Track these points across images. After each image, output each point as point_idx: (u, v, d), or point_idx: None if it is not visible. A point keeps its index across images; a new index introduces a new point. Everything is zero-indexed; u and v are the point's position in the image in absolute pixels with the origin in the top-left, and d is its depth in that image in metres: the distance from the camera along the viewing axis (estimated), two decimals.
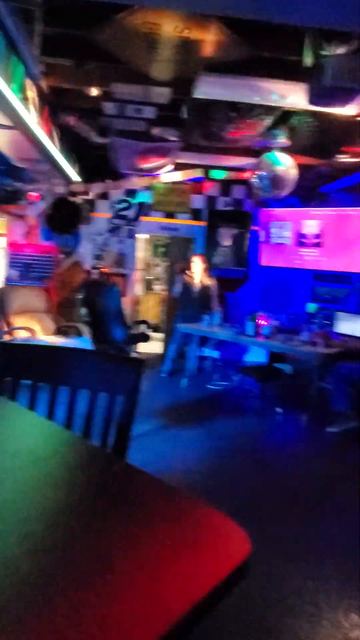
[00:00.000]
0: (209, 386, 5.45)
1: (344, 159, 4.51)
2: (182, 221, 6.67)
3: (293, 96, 3.19)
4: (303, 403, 4.78)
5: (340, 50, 2.57)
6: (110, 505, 0.91)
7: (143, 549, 0.78)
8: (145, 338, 5.91)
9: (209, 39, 2.62)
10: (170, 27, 2.52)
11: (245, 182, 5.95)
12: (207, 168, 5.80)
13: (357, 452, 3.77)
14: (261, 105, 3.45)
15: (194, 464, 3.32)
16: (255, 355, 6.40)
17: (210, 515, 0.93)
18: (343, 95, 2.57)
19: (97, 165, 5.56)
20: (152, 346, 6.55)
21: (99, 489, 0.99)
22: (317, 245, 6.09)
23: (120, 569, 0.72)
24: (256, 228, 6.62)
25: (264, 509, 2.78)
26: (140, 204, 6.59)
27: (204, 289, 5.69)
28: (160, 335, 6.96)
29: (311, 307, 6.31)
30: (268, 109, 3.53)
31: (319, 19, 2.14)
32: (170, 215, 6.66)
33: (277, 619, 1.91)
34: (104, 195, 6.55)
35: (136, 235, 6.64)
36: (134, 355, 6.28)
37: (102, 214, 6.61)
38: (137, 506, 0.93)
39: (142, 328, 6.02)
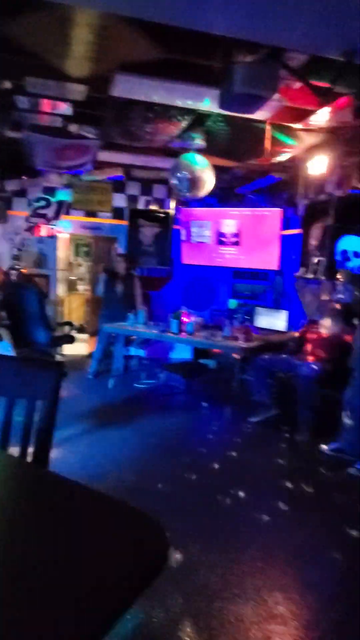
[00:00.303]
0: (136, 385, 5.46)
1: (257, 162, 4.74)
2: (104, 220, 6.61)
3: (206, 100, 3.30)
4: (227, 396, 4.96)
5: (249, 58, 2.71)
6: (29, 516, 0.90)
7: (63, 556, 0.78)
8: (70, 340, 5.78)
9: (123, 39, 2.63)
10: (84, 24, 2.48)
11: (165, 182, 6.04)
12: (127, 167, 5.80)
13: (276, 439, 4.00)
14: (176, 107, 3.52)
15: (125, 464, 3.32)
16: (181, 352, 6.53)
17: (129, 514, 0.95)
18: (252, 102, 2.70)
19: (12, 161, 5.31)
20: (78, 348, 6.41)
21: (17, 502, 0.96)
22: (236, 243, 6.35)
23: (38, 575, 0.72)
24: (178, 227, 6.74)
25: (193, 501, 2.86)
26: (60, 202, 6.41)
27: (128, 288, 5.68)
28: (85, 336, 6.83)
29: (232, 303, 6.57)
30: (183, 111, 3.62)
31: (225, 27, 2.23)
32: (91, 214, 6.56)
33: (205, 604, 1.98)
34: (21, 193, 6.28)
35: (57, 234, 6.45)
36: (58, 358, 6.11)
37: (20, 212, 6.33)
38: (58, 514, 0.93)
39: (67, 329, 5.87)
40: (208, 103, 3.29)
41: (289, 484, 3.18)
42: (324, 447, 3.68)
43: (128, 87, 3.22)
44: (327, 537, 2.57)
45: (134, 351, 6.26)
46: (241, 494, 2.99)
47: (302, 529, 2.63)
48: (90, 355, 6.04)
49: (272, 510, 2.82)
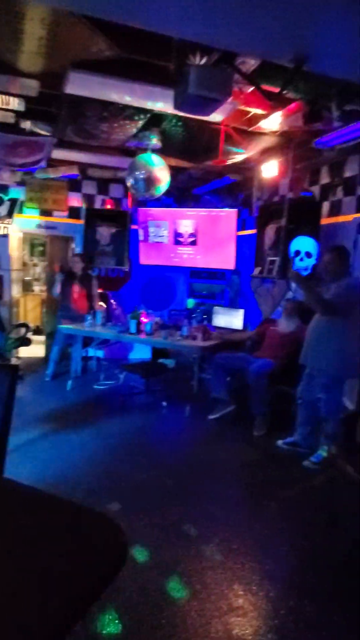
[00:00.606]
0: (95, 386, 5.40)
1: (212, 163, 4.80)
2: (60, 219, 6.48)
3: (162, 100, 3.32)
4: (186, 395, 5.01)
5: (203, 61, 2.75)
6: None
7: (22, 562, 0.77)
8: (26, 342, 5.63)
9: (77, 36, 2.59)
10: (36, 19, 2.43)
11: (122, 181, 6.00)
12: (83, 166, 5.72)
13: (234, 435, 4.08)
14: (132, 107, 3.52)
15: (85, 466, 3.28)
16: (140, 352, 6.52)
17: (88, 516, 0.95)
18: (206, 104, 2.74)
19: None
20: (34, 350, 6.26)
21: None
22: (193, 243, 6.41)
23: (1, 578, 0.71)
24: (135, 227, 6.71)
25: (153, 499, 2.86)
26: (13, 201, 6.23)
27: (86, 288, 5.60)
28: (42, 337, 6.68)
29: (190, 302, 6.63)
30: (139, 111, 3.61)
31: (179, 30, 2.25)
32: (46, 212, 6.41)
33: (168, 600, 2.00)
34: None
35: (10, 233, 6.26)
36: (14, 360, 5.93)
37: None
38: (16, 521, 0.91)
39: (22, 331, 5.71)
40: (164, 104, 3.31)
41: (246, 479, 3.26)
42: (280, 442, 3.79)
43: (82, 85, 3.18)
44: (283, 528, 2.65)
45: (92, 352, 6.19)
46: (200, 490, 3.04)
47: (260, 521, 2.71)
48: (47, 357, 5.91)
49: (230, 505, 2.88)
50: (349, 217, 4.48)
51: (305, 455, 3.53)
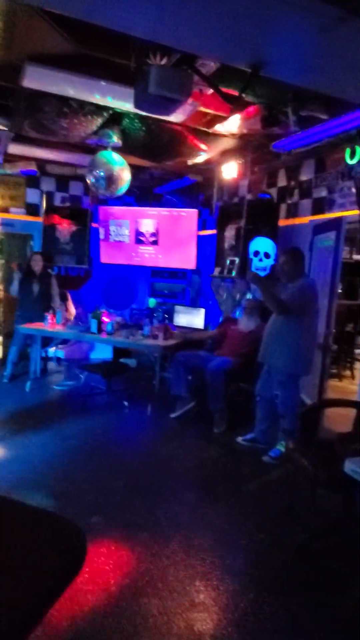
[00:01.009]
0: (55, 387, 5.30)
1: (173, 163, 4.83)
2: (18, 216, 6.30)
3: (122, 99, 3.30)
4: (148, 394, 5.01)
5: (164, 61, 2.76)
6: None
7: None
8: None
9: (33, 29, 2.54)
10: None
11: (82, 179, 5.92)
12: (42, 162, 5.59)
13: (194, 433, 4.13)
14: (92, 103, 3.48)
15: (44, 469, 3.21)
16: (102, 352, 6.45)
17: (47, 519, 0.94)
18: (166, 104, 2.75)
19: None
20: None
21: None
22: (154, 243, 6.41)
23: None
24: (96, 225, 6.63)
25: (114, 500, 2.85)
26: None
27: (45, 287, 5.49)
28: None
29: (151, 302, 6.62)
30: (99, 108, 3.58)
31: (139, 29, 2.25)
32: (3, 209, 6.22)
33: (130, 600, 2.00)
34: None
35: None
36: None
37: None
38: None
39: None
40: (124, 102, 3.29)
41: (206, 475, 3.30)
42: (239, 438, 3.86)
43: (40, 79, 3.11)
44: (241, 522, 2.71)
45: (52, 352, 6.06)
46: (161, 488, 3.05)
47: (219, 517, 2.75)
48: (4, 359, 5.74)
49: (191, 502, 2.91)
50: (305, 219, 4.63)
51: (264, 451, 3.63)
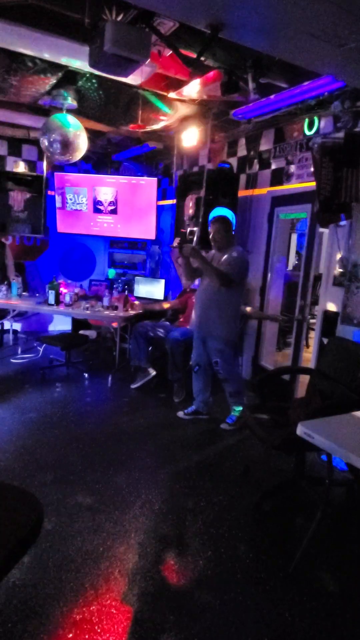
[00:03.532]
0: (12, 360, 5.18)
1: (131, 128, 4.67)
2: None
3: (76, 57, 3.13)
4: (108, 365, 5.00)
5: (120, 17, 2.62)
6: None
7: None
8: None
9: None
10: None
11: (36, 143, 5.63)
12: None
13: (155, 401, 4.19)
14: (44, 60, 3.27)
15: (2, 442, 3.17)
16: (60, 324, 6.34)
17: (3, 490, 0.94)
18: (123, 64, 2.63)
19: None
20: None
21: None
22: (113, 212, 6.25)
23: None
24: (52, 193, 6.38)
25: (74, 469, 2.87)
26: None
27: None
28: None
29: (111, 273, 6.53)
30: (52, 66, 3.38)
31: None
32: None
33: (91, 566, 2.05)
34: None
35: None
36: None
37: None
38: None
39: None
40: (79, 61, 3.12)
41: (165, 443, 3.37)
42: (180, 413, 3.86)
43: None
44: (201, 486, 2.80)
45: (8, 325, 5.89)
46: (122, 457, 3.10)
47: (179, 482, 2.83)
48: None
49: (150, 468, 2.98)
50: (264, 190, 4.64)
51: (219, 420, 3.74)
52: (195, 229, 4.49)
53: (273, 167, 4.51)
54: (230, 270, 3.37)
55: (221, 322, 3.49)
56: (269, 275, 4.63)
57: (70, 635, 1.68)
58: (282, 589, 1.99)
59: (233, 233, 3.62)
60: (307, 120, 3.93)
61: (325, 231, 3.87)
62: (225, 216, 3.70)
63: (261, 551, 2.24)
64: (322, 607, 1.91)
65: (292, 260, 7.33)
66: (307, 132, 3.97)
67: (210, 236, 3.61)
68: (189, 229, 4.55)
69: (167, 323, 4.69)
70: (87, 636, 1.68)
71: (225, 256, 3.47)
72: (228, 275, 3.35)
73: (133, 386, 4.41)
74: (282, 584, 2.02)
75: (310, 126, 3.93)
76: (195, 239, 4.45)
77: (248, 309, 4.51)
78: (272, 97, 3.52)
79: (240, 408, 3.66)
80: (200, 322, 3.59)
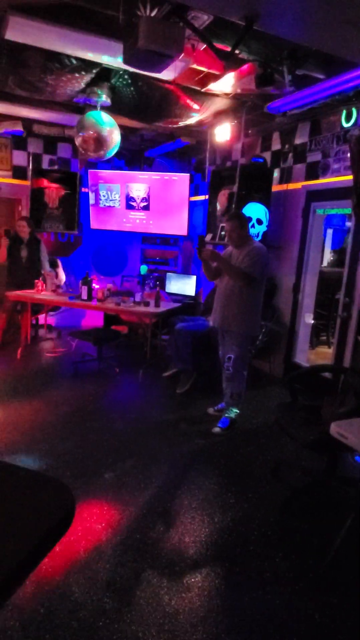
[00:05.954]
0: (45, 354, 5.31)
1: (164, 124, 4.67)
2: (4, 179, 6.12)
3: (110, 54, 3.15)
4: (139, 361, 5.04)
5: (154, 13, 2.62)
6: None
7: None
8: None
9: None
10: None
11: (71, 140, 5.72)
12: (28, 122, 5.38)
13: (184, 396, 4.18)
14: (79, 59, 3.32)
15: (36, 434, 3.26)
16: (93, 319, 6.44)
17: (35, 478, 0.96)
18: (157, 60, 2.63)
19: None
20: None
21: None
22: (145, 208, 6.29)
23: None
24: (86, 190, 6.48)
25: (106, 462, 2.91)
26: None
27: (33, 253, 5.40)
28: None
29: (143, 269, 6.57)
30: (86, 64, 3.42)
31: None
32: None
33: (121, 556, 2.08)
34: None
35: None
36: None
37: None
38: None
39: None
40: (113, 58, 3.15)
41: (200, 441, 3.37)
42: (210, 409, 3.83)
43: (23, 31, 2.95)
44: (231, 484, 2.79)
45: (43, 319, 6.04)
46: (153, 452, 3.12)
47: (211, 479, 2.83)
48: None
49: (183, 465, 2.99)
50: (298, 185, 4.55)
51: (248, 417, 3.70)
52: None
53: (308, 160, 4.41)
54: (251, 269, 3.31)
55: (241, 318, 3.43)
56: (303, 271, 4.54)
57: None
58: (312, 590, 1.96)
59: (248, 229, 3.54)
60: (344, 112, 3.82)
61: None
62: (241, 212, 3.65)
63: (290, 551, 2.21)
64: (352, 611, 1.87)
65: (327, 256, 7.16)
66: (345, 124, 3.86)
67: (226, 234, 3.55)
68: (221, 225, 4.51)
69: (202, 319, 4.68)
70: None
71: (243, 253, 3.40)
72: (250, 275, 3.30)
73: (179, 391, 4.28)
74: (311, 585, 1.99)
75: (348, 118, 3.82)
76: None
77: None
78: (308, 89, 3.43)
79: (238, 411, 3.58)
80: (221, 318, 3.55)
